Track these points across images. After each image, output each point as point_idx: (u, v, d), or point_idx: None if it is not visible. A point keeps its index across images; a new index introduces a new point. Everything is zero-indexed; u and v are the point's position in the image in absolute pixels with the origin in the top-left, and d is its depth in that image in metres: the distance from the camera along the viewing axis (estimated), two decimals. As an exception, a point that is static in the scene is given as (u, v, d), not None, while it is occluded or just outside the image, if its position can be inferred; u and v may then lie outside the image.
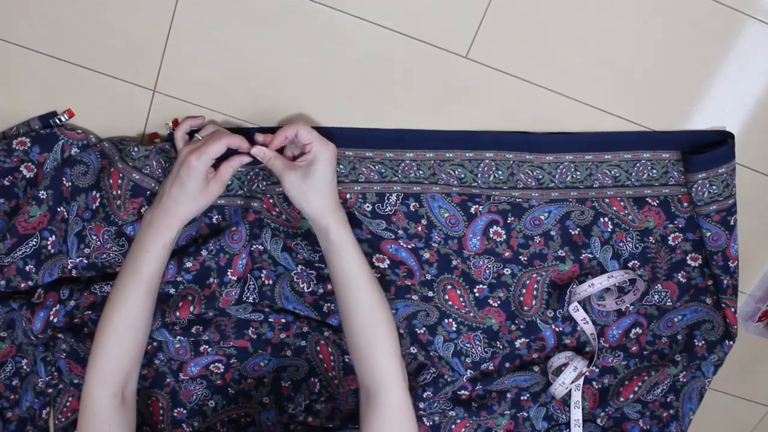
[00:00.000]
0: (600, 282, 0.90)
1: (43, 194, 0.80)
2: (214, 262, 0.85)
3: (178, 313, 0.84)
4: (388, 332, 0.77)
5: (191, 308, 0.85)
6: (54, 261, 0.82)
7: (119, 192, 0.82)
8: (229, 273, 0.85)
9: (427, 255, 0.89)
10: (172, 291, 0.86)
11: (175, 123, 0.84)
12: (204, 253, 0.84)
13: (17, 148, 0.81)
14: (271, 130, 0.85)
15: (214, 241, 0.84)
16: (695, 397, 0.99)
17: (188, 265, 0.84)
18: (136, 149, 0.81)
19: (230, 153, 0.78)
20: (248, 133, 0.81)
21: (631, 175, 0.89)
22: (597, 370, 0.97)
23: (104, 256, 0.84)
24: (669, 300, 0.94)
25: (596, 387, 0.99)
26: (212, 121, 0.84)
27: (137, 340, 0.77)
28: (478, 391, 0.96)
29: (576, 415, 0.97)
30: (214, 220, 0.86)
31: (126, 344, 0.76)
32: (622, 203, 0.90)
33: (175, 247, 0.86)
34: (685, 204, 0.90)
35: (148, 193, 0.83)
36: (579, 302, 0.92)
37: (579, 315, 0.93)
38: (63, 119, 0.83)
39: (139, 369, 0.79)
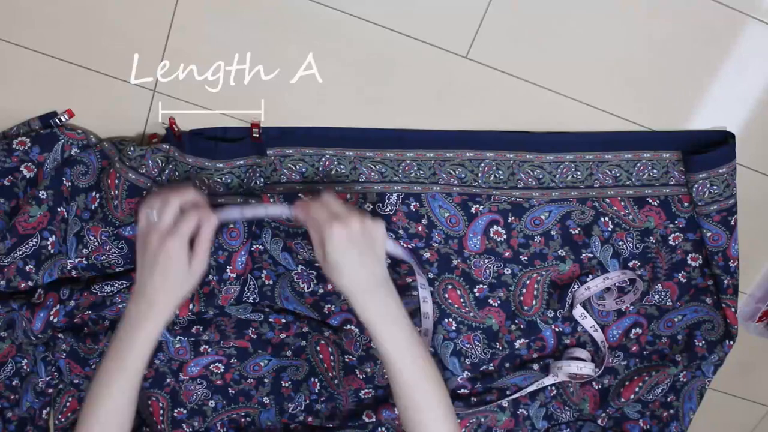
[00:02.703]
0: (596, 284, 0.90)
1: (43, 194, 0.80)
2: (213, 259, 0.85)
3: (177, 312, 0.84)
4: (434, 403, 0.72)
5: (190, 306, 0.85)
6: (54, 261, 0.82)
7: (116, 192, 0.83)
8: (228, 270, 0.85)
9: (427, 255, 0.89)
10: (172, 291, 0.86)
11: (172, 121, 0.84)
12: (203, 252, 0.84)
13: (17, 148, 0.80)
14: (272, 130, 0.85)
15: (212, 239, 0.84)
16: (695, 397, 0.99)
17: (188, 264, 0.84)
18: (132, 149, 0.82)
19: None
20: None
21: (632, 175, 0.89)
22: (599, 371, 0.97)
23: (103, 257, 0.84)
24: (669, 300, 0.94)
25: (596, 387, 0.99)
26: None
27: (124, 426, 0.73)
28: (477, 389, 0.96)
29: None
30: (214, 220, 0.86)
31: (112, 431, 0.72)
32: (622, 203, 0.90)
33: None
34: (686, 204, 0.90)
35: (144, 192, 0.83)
36: (580, 304, 0.92)
37: (587, 322, 0.92)
38: (63, 119, 0.83)
39: None
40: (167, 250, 0.68)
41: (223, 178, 0.84)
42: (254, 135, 0.84)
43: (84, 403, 0.73)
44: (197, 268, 0.71)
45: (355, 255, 0.70)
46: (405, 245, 0.88)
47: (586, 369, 0.93)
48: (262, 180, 0.84)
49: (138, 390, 0.73)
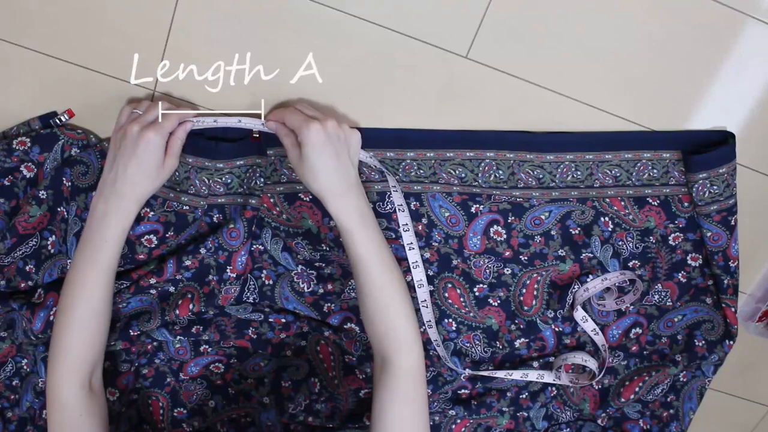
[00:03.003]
0: (594, 285, 0.90)
1: (43, 194, 0.80)
2: (213, 259, 0.85)
3: (177, 312, 0.84)
4: (400, 303, 0.75)
5: (191, 306, 0.85)
6: (54, 261, 0.82)
7: None
8: (228, 270, 0.85)
9: (427, 254, 0.89)
10: (171, 289, 0.86)
11: None
12: (203, 251, 0.84)
13: (17, 148, 0.80)
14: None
15: (213, 239, 0.84)
16: (695, 397, 0.99)
17: (187, 263, 0.84)
18: None
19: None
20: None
21: (632, 175, 0.89)
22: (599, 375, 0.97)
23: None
24: (669, 300, 0.95)
25: (596, 387, 0.99)
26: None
27: (101, 329, 0.75)
28: (478, 389, 0.96)
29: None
30: (215, 219, 0.86)
31: (90, 334, 0.74)
32: (622, 203, 0.90)
33: (174, 246, 0.86)
34: (686, 204, 0.90)
35: None
36: (581, 307, 0.92)
37: (589, 326, 0.92)
38: (63, 119, 0.83)
39: (103, 357, 0.77)
40: (148, 139, 0.72)
41: (223, 178, 0.84)
42: (254, 135, 0.84)
43: (58, 308, 0.75)
44: (169, 164, 0.75)
45: (332, 156, 0.74)
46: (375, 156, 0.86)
47: (591, 363, 0.93)
48: (262, 180, 0.84)
49: (112, 289, 0.76)
